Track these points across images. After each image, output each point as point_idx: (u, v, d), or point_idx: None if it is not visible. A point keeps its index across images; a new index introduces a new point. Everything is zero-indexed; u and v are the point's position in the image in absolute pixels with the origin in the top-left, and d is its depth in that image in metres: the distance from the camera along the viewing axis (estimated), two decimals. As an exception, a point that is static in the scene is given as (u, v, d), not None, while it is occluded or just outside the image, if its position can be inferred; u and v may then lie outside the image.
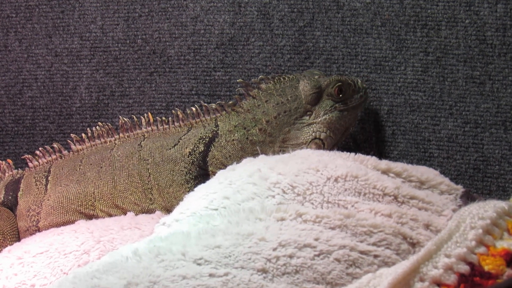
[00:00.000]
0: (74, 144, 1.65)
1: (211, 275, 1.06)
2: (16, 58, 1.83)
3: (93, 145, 1.64)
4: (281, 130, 1.56)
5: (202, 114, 1.60)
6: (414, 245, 1.15)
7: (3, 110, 1.84)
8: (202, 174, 1.55)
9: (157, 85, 1.79)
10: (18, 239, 1.59)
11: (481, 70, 1.64)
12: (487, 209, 1.11)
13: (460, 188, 1.30)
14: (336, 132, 1.57)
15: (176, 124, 1.61)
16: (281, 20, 1.72)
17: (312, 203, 1.20)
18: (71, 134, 1.66)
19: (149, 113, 1.63)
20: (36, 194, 1.61)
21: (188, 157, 1.56)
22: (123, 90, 1.80)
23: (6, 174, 1.69)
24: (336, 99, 1.56)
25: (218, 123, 1.58)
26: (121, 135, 1.63)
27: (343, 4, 1.69)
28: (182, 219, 1.25)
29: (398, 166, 1.29)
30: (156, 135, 1.61)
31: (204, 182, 1.37)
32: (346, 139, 1.65)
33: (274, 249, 1.10)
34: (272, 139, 1.56)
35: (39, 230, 1.59)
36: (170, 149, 1.58)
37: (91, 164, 1.60)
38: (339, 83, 1.56)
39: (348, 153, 1.33)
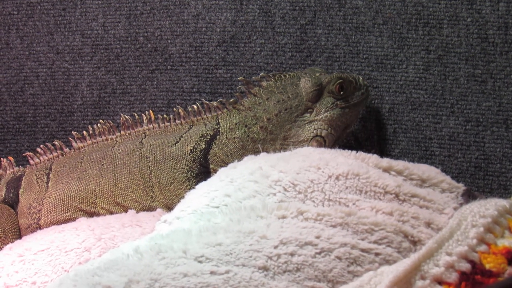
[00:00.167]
0: (75, 142, 1.65)
1: (212, 273, 1.06)
2: (18, 55, 1.83)
3: (94, 142, 1.64)
4: (282, 127, 1.56)
5: (203, 112, 1.60)
6: (415, 243, 1.16)
7: (4, 108, 1.84)
8: (203, 171, 1.55)
9: (158, 82, 1.79)
10: (19, 237, 1.59)
11: (482, 68, 1.64)
12: (488, 207, 1.11)
13: (461, 186, 1.30)
14: (337, 129, 1.56)
15: (177, 121, 1.61)
16: (282, 18, 1.72)
17: (313, 201, 1.20)
18: (73, 132, 1.66)
19: (151, 111, 1.63)
20: (37, 191, 1.61)
21: (189, 154, 1.56)
22: (125, 87, 1.80)
23: (7, 172, 1.69)
24: (337, 96, 1.56)
25: (219, 120, 1.58)
26: (122, 132, 1.63)
27: (345, 2, 1.69)
28: (183, 216, 1.25)
29: (399, 164, 1.29)
30: (157, 133, 1.61)
31: (205, 179, 1.37)
32: (347, 137, 1.65)
33: (275, 247, 1.10)
34: (273, 137, 1.56)
35: (40, 227, 1.59)
36: (171, 146, 1.57)
37: (92, 161, 1.60)
38: (340, 80, 1.55)
39: (350, 151, 1.33)
